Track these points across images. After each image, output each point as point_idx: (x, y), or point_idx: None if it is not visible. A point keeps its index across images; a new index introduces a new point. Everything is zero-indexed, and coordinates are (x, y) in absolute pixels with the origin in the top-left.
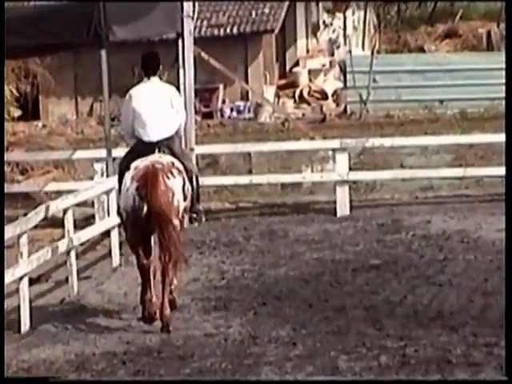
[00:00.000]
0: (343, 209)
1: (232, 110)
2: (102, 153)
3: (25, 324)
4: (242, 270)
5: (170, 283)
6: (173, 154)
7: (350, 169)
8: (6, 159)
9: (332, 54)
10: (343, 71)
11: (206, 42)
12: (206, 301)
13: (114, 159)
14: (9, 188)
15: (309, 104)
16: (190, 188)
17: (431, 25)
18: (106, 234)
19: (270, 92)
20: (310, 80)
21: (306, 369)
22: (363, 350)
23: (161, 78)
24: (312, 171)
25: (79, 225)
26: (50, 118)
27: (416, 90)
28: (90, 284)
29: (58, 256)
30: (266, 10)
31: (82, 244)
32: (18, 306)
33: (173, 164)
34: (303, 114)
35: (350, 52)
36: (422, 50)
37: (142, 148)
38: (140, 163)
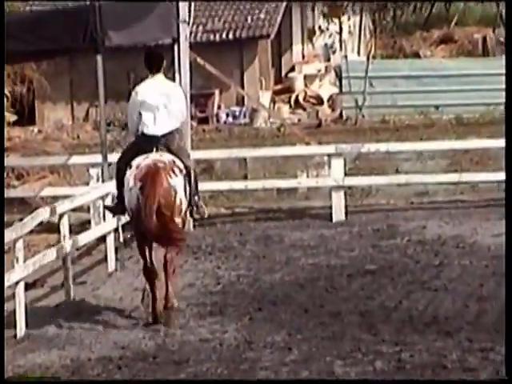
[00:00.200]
0: (339, 214)
1: (228, 115)
2: (98, 158)
3: (20, 329)
4: (238, 276)
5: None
6: (170, 150)
7: (346, 174)
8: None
9: (328, 60)
10: (339, 76)
11: (202, 48)
12: (201, 306)
13: (110, 164)
14: (5, 193)
15: (304, 109)
16: (188, 184)
17: (427, 30)
18: (102, 239)
19: (265, 97)
20: (306, 85)
21: (302, 374)
22: (358, 355)
23: (165, 75)
24: (307, 176)
25: (75, 230)
26: (46, 123)
27: (411, 95)
28: (86, 289)
29: (54, 261)
30: (262, 16)
31: (77, 249)
32: (14, 311)
33: (174, 162)
34: (299, 120)
35: (346, 57)
36: (417, 55)
37: (142, 143)
38: (142, 161)
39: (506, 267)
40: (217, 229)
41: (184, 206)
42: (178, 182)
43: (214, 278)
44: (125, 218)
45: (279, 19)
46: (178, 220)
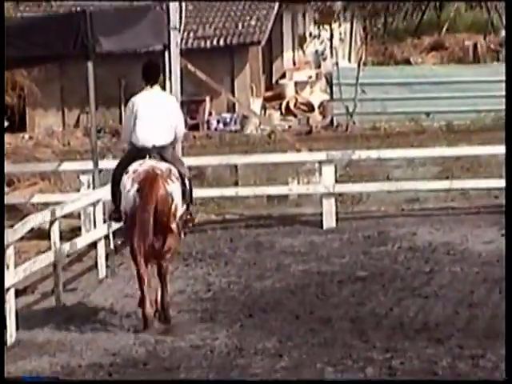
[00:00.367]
0: (329, 221)
1: (218, 121)
2: (89, 165)
3: (11, 335)
4: (228, 282)
5: (166, 284)
6: (164, 159)
7: (337, 181)
8: None
9: (318, 66)
10: (330, 83)
11: (193, 54)
12: (192, 312)
13: (101, 171)
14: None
15: (295, 116)
16: (183, 192)
17: (417, 37)
18: (93, 245)
19: (256, 104)
20: (297, 92)
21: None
22: (349, 362)
23: (162, 88)
24: (298, 183)
25: (65, 236)
26: (37, 129)
27: (402, 102)
28: (76, 296)
29: (45, 268)
30: (253, 22)
31: (68, 256)
32: (4, 318)
33: (170, 170)
34: (289, 126)
35: (337, 64)
36: (408, 62)
37: (135, 154)
38: (139, 167)
39: (506, 268)
40: (207, 235)
41: (179, 213)
42: (174, 188)
43: (204, 284)
44: (115, 225)
45: (270, 26)
46: (173, 226)
